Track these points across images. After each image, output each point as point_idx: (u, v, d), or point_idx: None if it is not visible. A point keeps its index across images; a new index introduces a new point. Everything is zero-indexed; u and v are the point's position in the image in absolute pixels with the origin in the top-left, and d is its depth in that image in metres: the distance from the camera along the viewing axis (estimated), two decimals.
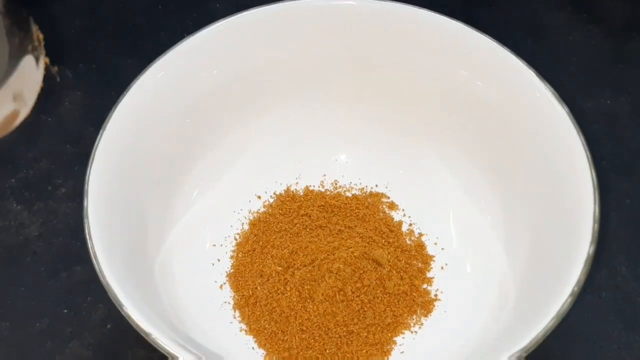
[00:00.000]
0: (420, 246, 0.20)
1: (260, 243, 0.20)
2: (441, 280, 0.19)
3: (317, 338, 0.18)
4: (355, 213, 0.20)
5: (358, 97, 0.21)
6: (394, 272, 0.19)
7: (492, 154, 0.19)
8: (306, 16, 0.19)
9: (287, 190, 0.21)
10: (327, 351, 0.18)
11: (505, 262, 0.18)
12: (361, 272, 0.18)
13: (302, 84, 0.21)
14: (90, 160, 0.16)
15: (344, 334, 0.18)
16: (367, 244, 0.19)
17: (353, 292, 0.18)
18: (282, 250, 0.19)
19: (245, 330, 0.18)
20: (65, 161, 0.22)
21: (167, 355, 0.14)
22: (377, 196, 0.21)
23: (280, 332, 0.18)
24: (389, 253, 0.19)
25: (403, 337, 0.18)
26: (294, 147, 0.21)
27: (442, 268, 0.19)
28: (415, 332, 0.18)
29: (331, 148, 0.21)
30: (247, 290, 0.19)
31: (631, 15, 0.26)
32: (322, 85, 0.21)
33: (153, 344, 0.14)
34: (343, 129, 0.21)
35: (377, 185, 0.21)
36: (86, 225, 0.15)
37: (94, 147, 0.17)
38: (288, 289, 0.18)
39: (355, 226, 0.20)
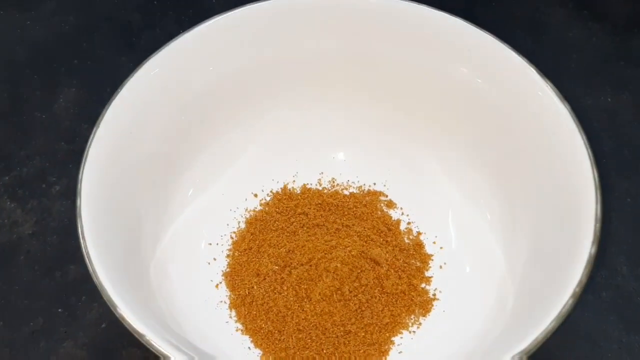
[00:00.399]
0: (419, 245, 0.20)
1: (257, 242, 0.19)
2: (440, 279, 0.19)
3: (314, 338, 0.17)
4: (353, 211, 0.20)
5: (357, 94, 0.21)
6: (392, 271, 0.18)
7: (492, 152, 0.19)
8: (304, 13, 0.19)
9: (284, 188, 0.21)
10: (324, 351, 0.17)
11: (504, 261, 0.18)
12: (359, 271, 0.18)
13: (300, 81, 0.20)
14: (84, 158, 0.16)
15: (342, 333, 0.18)
16: (364, 243, 0.19)
17: (350, 292, 0.18)
18: (278, 249, 0.19)
19: (242, 330, 0.18)
20: (59, 159, 0.22)
21: (160, 355, 0.14)
22: (375, 194, 0.21)
23: (276, 331, 0.18)
24: (387, 252, 0.19)
25: (401, 337, 0.18)
26: (291, 145, 0.21)
27: (440, 267, 0.19)
28: (414, 332, 0.18)
29: (329, 146, 0.21)
30: (243, 289, 0.19)
31: (632, 13, 0.26)
32: (320, 83, 0.20)
33: (147, 345, 0.14)
34: (341, 127, 0.21)
35: (375, 184, 0.21)
36: (79, 225, 0.15)
37: (87, 145, 0.16)
38: (285, 288, 0.18)
39: (353, 225, 0.19)
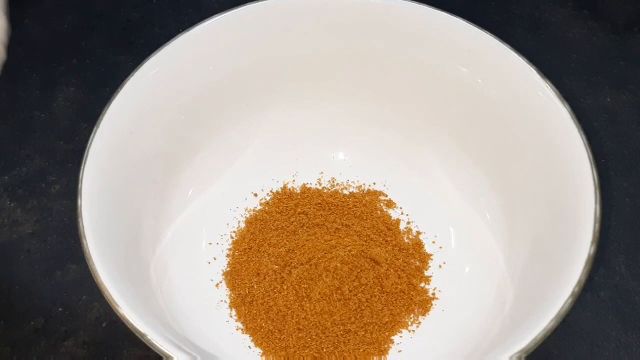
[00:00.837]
0: (418, 244, 0.20)
1: (257, 241, 0.19)
2: (439, 278, 0.19)
3: (314, 337, 0.18)
4: (353, 211, 0.20)
5: (356, 94, 0.20)
6: (392, 270, 0.18)
7: (492, 152, 0.19)
8: (304, 12, 0.19)
9: (284, 187, 0.21)
10: (324, 350, 0.17)
11: (504, 261, 0.18)
12: (358, 270, 0.18)
13: (300, 80, 0.20)
14: (84, 158, 0.16)
15: (341, 332, 0.18)
16: (364, 242, 0.19)
17: (350, 291, 0.18)
18: (278, 248, 0.19)
19: (242, 329, 0.18)
20: (59, 158, 0.22)
21: (162, 355, 0.14)
22: (374, 194, 0.21)
23: (276, 331, 0.18)
24: (386, 251, 0.19)
25: (400, 336, 0.18)
26: (291, 145, 0.21)
27: (440, 267, 0.19)
28: (413, 331, 0.18)
29: (329, 145, 0.21)
30: (243, 288, 0.19)
31: (632, 12, 0.25)
32: (320, 83, 0.20)
33: (148, 345, 0.14)
34: (341, 127, 0.21)
35: (374, 183, 0.21)
36: (80, 225, 0.15)
37: (88, 145, 0.16)
38: (285, 287, 0.18)
39: (353, 224, 0.19)
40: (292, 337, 0.18)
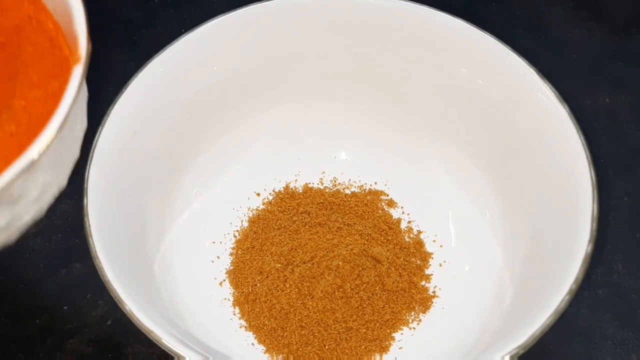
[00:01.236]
0: (419, 243, 0.20)
1: (260, 240, 0.20)
2: (439, 277, 0.19)
3: (316, 334, 0.18)
4: (355, 210, 0.20)
5: (358, 94, 0.21)
6: (393, 269, 0.19)
7: (492, 152, 0.19)
8: (306, 13, 0.19)
9: (287, 187, 0.21)
10: (326, 347, 0.18)
11: (503, 259, 0.18)
12: (360, 269, 0.18)
13: (302, 81, 0.20)
14: (89, 158, 0.16)
15: (343, 330, 0.18)
16: (366, 241, 0.19)
17: (352, 289, 0.18)
18: (281, 247, 0.19)
19: (245, 327, 0.18)
20: None
21: (174, 355, 0.14)
22: (376, 194, 0.21)
23: (279, 328, 0.18)
24: (387, 250, 0.19)
25: (401, 334, 0.18)
26: (293, 145, 0.21)
27: (440, 265, 0.20)
28: (414, 328, 0.18)
29: (330, 145, 0.21)
30: (246, 287, 0.19)
31: (632, 13, 0.26)
32: (321, 83, 0.21)
33: (157, 343, 0.14)
34: (342, 127, 0.21)
35: (376, 183, 0.21)
36: (86, 224, 0.15)
37: (93, 145, 0.16)
38: (287, 285, 0.18)
39: (355, 223, 0.20)
40: (294, 335, 0.18)
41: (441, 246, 0.20)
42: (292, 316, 0.18)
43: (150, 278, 0.17)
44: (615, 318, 0.19)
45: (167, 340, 0.14)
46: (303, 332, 0.18)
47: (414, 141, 0.21)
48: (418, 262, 0.19)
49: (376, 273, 0.18)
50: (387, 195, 0.21)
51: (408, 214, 0.21)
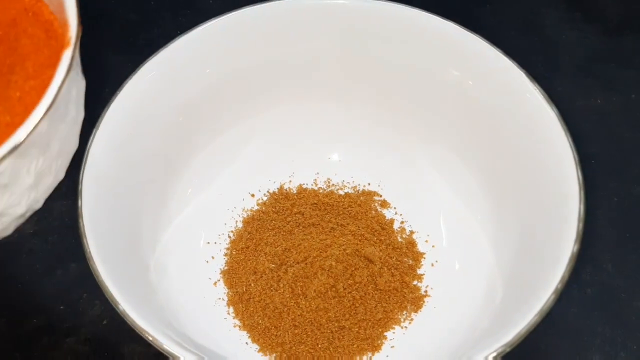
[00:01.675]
0: (411, 243, 0.20)
1: (254, 241, 0.20)
2: (431, 277, 0.19)
3: (309, 333, 0.18)
4: (348, 211, 0.20)
5: (350, 96, 0.21)
6: (385, 269, 0.19)
7: (482, 154, 0.19)
8: (299, 15, 0.19)
9: (281, 188, 0.21)
10: (319, 346, 0.18)
11: (493, 259, 0.19)
12: (353, 269, 0.18)
13: (296, 82, 0.21)
14: (84, 159, 0.16)
15: (336, 329, 0.18)
16: (359, 242, 0.19)
17: (345, 289, 0.18)
18: (275, 247, 0.19)
19: (239, 326, 0.19)
20: None
21: (169, 355, 0.14)
22: (369, 194, 0.21)
23: (273, 327, 0.18)
24: (380, 250, 0.19)
25: (393, 332, 0.18)
26: (287, 146, 0.21)
27: (432, 265, 0.20)
28: (406, 327, 0.19)
29: (324, 147, 0.22)
30: (240, 286, 0.19)
31: (624, 14, 0.26)
32: (315, 84, 0.21)
33: (159, 348, 0.14)
34: (336, 128, 0.21)
35: (369, 184, 0.21)
36: (81, 225, 0.15)
37: (87, 147, 0.17)
38: (281, 285, 0.19)
39: (348, 224, 0.20)
40: (288, 334, 0.18)
41: (433, 246, 0.20)
42: (285, 315, 0.18)
43: (145, 278, 0.17)
44: (605, 316, 0.19)
45: (161, 340, 0.14)
46: (296, 331, 0.18)
47: (406, 142, 0.21)
48: (410, 262, 0.20)
49: (369, 273, 0.19)
50: (380, 196, 0.21)
51: (401, 215, 0.21)
